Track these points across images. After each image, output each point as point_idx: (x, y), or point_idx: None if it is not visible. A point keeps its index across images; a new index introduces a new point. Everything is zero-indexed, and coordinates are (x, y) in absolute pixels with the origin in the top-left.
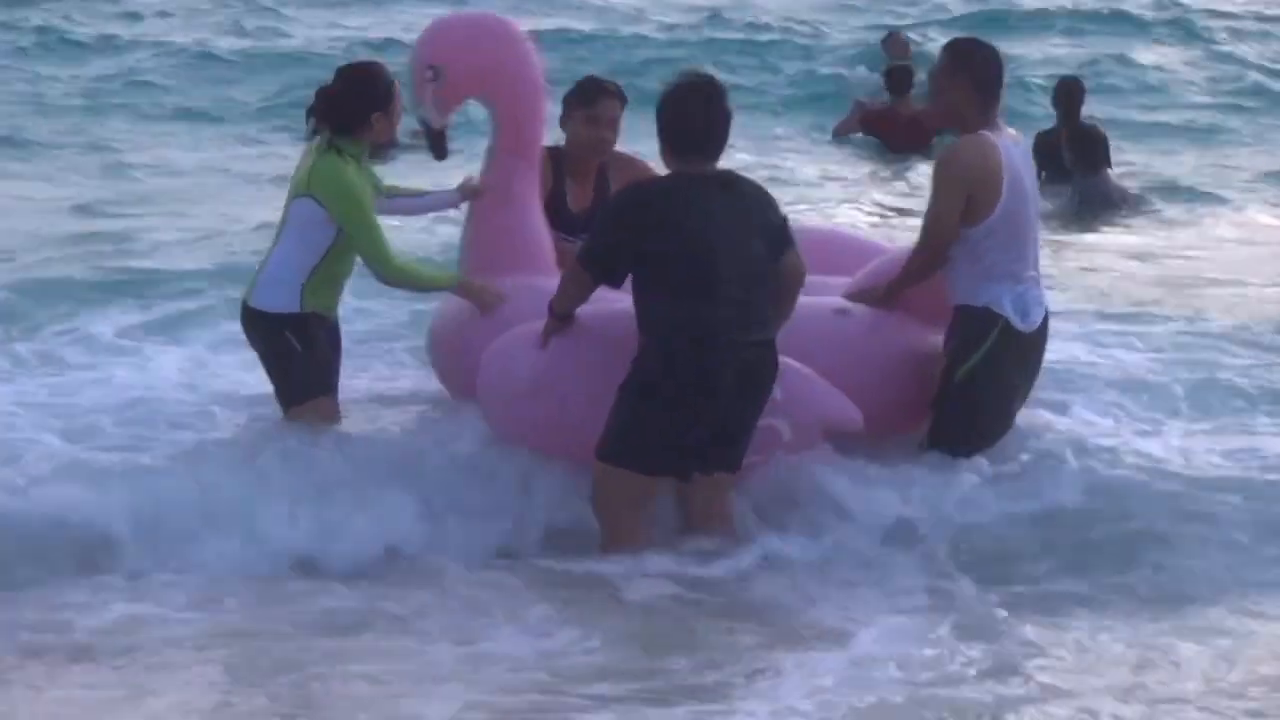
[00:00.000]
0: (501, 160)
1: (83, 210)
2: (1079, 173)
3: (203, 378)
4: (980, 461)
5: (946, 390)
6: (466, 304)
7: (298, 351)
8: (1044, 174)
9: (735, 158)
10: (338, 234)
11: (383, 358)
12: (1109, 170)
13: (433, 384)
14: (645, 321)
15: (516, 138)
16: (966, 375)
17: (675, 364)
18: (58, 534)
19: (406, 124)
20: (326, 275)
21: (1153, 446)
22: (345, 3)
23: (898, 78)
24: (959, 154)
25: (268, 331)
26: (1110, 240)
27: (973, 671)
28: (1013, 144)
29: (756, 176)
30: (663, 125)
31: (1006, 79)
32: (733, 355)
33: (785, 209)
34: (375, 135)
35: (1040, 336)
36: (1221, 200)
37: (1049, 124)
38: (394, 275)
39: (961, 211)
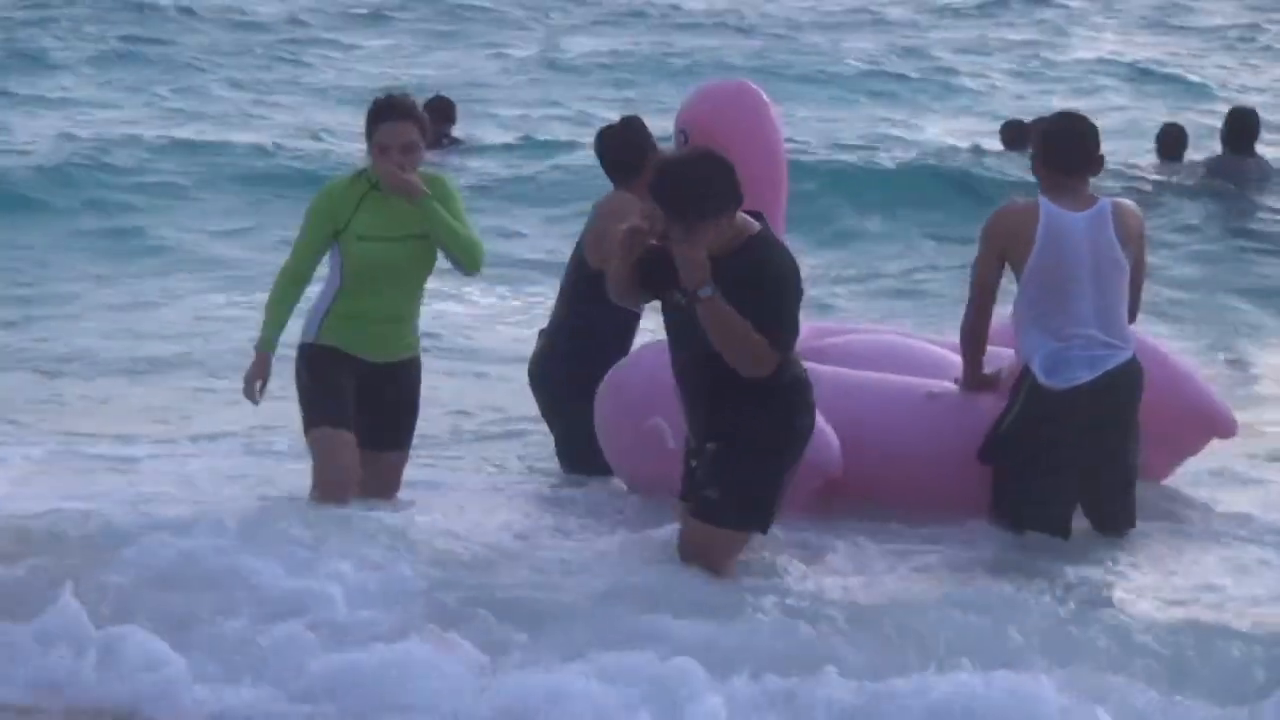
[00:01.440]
0: None
1: None
2: None
3: None
4: None
5: (988, 448)
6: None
7: (304, 379)
8: None
9: None
10: (344, 276)
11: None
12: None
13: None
14: None
15: (754, 203)
16: (1004, 430)
17: None
18: None
19: None
20: (344, 312)
21: None
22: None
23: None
24: (995, 216)
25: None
26: None
27: None
28: (1075, 211)
29: None
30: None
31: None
32: None
33: None
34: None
35: (1093, 398)
36: None
37: None
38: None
39: (998, 267)
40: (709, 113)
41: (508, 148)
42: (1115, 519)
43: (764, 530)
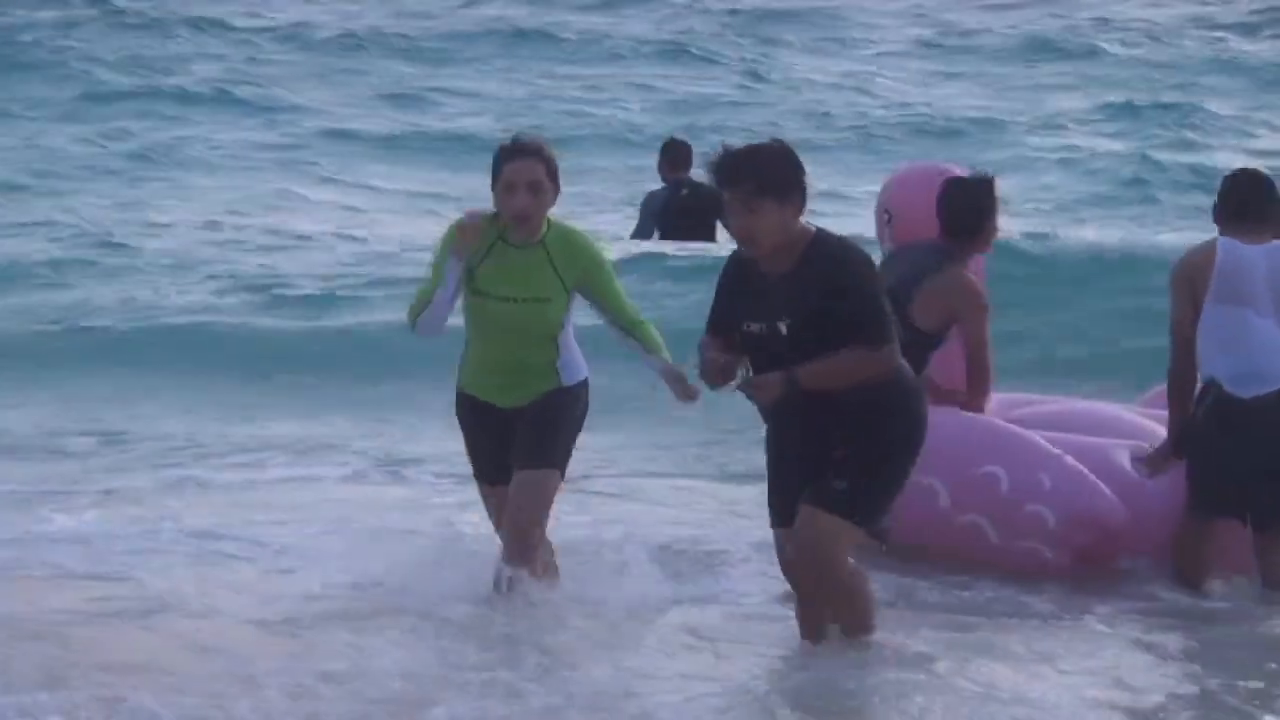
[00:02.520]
0: None
1: None
2: None
3: None
4: None
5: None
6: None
7: (459, 428)
8: None
9: None
10: (468, 323)
11: None
12: None
13: None
14: None
15: None
16: (1185, 436)
17: None
18: None
19: None
20: (473, 355)
21: None
22: None
23: None
24: (1178, 264)
25: None
26: None
27: None
28: (1252, 245)
29: None
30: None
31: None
32: None
33: None
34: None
35: (1267, 413)
36: None
37: None
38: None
39: (1191, 310)
40: (911, 196)
41: None
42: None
43: (883, 540)
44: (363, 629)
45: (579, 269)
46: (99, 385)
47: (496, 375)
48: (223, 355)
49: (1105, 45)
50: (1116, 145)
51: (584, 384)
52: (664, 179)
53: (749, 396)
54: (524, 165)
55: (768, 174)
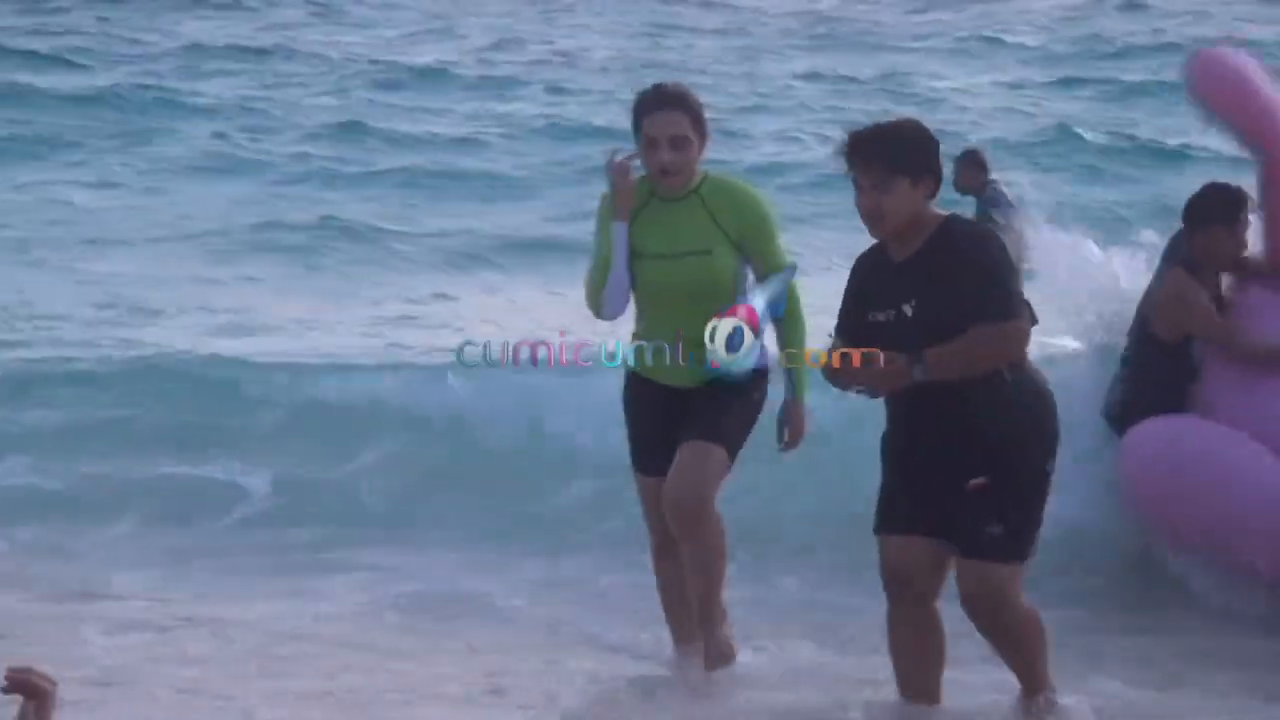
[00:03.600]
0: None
1: None
2: None
3: None
4: None
5: None
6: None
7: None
8: None
9: None
10: (635, 294)
11: None
12: None
13: None
14: None
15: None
16: None
17: None
18: None
19: None
20: (642, 333)
21: None
22: None
23: None
24: None
25: None
26: None
27: None
28: None
29: None
30: None
31: None
32: None
33: None
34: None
35: None
36: None
37: None
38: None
39: None
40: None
41: None
42: None
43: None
44: None
45: (741, 218)
46: None
47: (653, 343)
48: None
49: None
50: None
51: (764, 374)
52: (967, 190)
53: (869, 394)
54: (666, 118)
55: (901, 152)
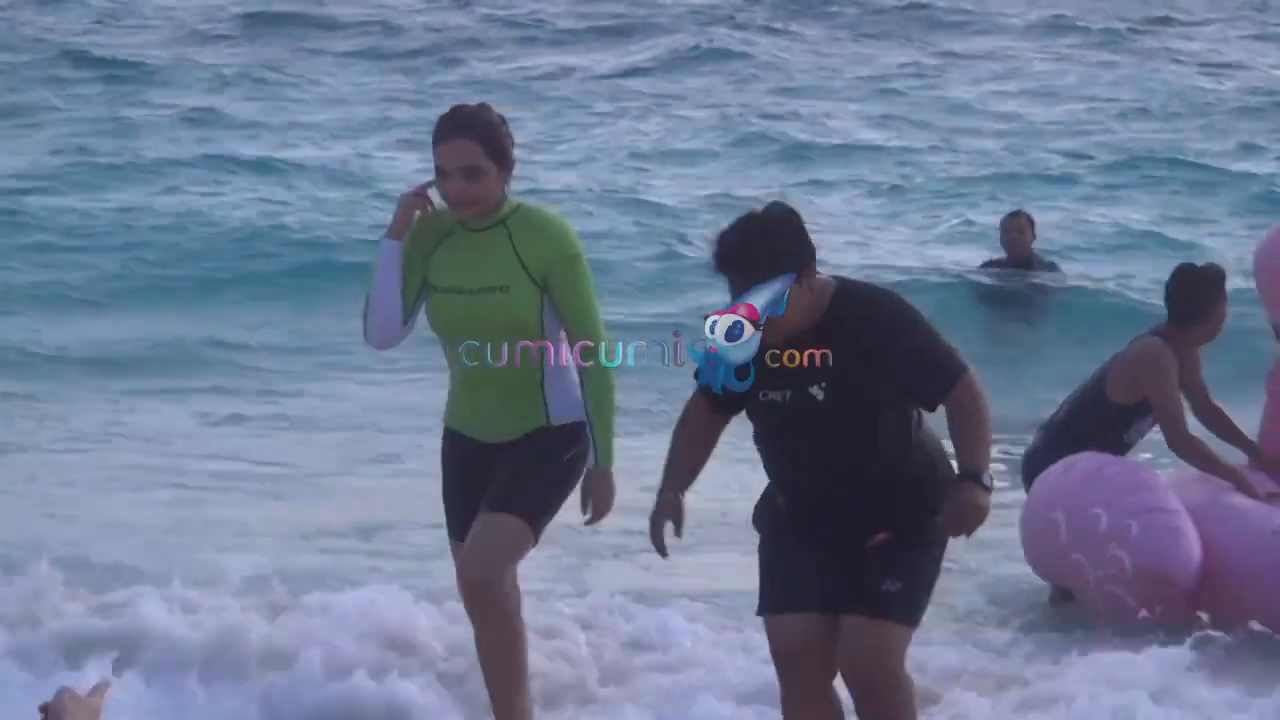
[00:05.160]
0: None
1: None
2: None
3: None
4: None
5: None
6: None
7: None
8: None
9: None
10: (428, 315)
11: None
12: None
13: None
14: None
15: None
16: None
17: None
18: None
19: None
20: (453, 384)
21: None
22: None
23: None
24: None
25: None
26: None
27: None
28: None
29: None
30: None
31: None
32: None
33: None
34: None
35: None
36: None
37: None
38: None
39: None
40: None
41: None
42: None
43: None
44: None
45: (546, 253)
46: None
47: (465, 395)
48: None
49: None
50: None
51: (582, 425)
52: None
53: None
54: (455, 146)
55: (776, 254)
